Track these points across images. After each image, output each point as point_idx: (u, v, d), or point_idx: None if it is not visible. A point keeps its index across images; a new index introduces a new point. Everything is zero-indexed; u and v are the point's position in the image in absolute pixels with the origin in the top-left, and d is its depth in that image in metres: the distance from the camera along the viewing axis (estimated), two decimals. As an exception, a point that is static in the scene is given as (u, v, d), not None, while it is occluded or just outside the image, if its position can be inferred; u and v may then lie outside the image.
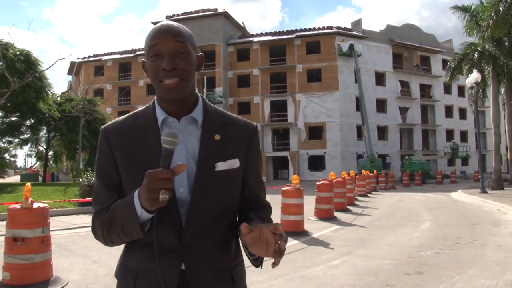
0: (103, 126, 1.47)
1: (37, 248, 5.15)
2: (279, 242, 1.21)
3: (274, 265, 1.24)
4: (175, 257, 1.34)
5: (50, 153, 36.16)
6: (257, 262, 1.36)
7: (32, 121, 31.22)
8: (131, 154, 1.37)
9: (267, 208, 1.57)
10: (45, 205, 5.51)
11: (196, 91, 1.48)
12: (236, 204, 1.47)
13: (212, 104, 1.50)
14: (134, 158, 1.35)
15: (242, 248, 1.39)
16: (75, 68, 54.19)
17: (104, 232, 1.36)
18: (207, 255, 1.36)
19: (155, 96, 1.46)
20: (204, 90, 45.17)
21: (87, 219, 11.83)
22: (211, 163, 1.37)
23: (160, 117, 1.40)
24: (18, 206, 5.29)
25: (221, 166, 1.37)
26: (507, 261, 6.36)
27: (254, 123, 1.53)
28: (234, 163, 1.40)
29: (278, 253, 1.22)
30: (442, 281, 5.35)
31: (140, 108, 1.49)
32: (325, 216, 11.64)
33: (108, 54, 51.43)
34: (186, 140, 1.38)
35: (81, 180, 15.36)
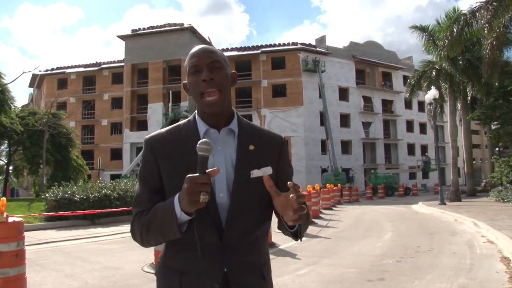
0: (146, 137, 1.65)
1: (12, 262, 5.17)
2: (299, 204, 1.35)
3: (297, 221, 1.38)
4: (217, 256, 1.49)
5: (11, 167, 35.22)
6: (297, 236, 1.53)
7: (-7, 134, 30.33)
8: (174, 163, 1.53)
9: None
10: (20, 219, 5.57)
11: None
12: (269, 210, 1.59)
13: (244, 118, 1.70)
14: (177, 166, 1.51)
15: (281, 228, 1.54)
16: (37, 81, 53.22)
17: (143, 233, 1.51)
18: (244, 254, 1.53)
19: (195, 111, 1.65)
20: (170, 104, 45.01)
21: (54, 234, 11.77)
22: (247, 170, 1.49)
23: (202, 129, 1.58)
24: (-8, 220, 5.34)
25: (255, 173, 1.47)
26: (461, 266, 6.82)
27: (282, 135, 1.74)
28: (268, 170, 1.47)
29: (300, 212, 1.35)
30: (402, 286, 5.71)
31: (181, 121, 1.69)
32: (291, 228, 11.86)
33: (72, 67, 50.78)
34: (225, 149, 1.56)
35: (47, 195, 15.18)
